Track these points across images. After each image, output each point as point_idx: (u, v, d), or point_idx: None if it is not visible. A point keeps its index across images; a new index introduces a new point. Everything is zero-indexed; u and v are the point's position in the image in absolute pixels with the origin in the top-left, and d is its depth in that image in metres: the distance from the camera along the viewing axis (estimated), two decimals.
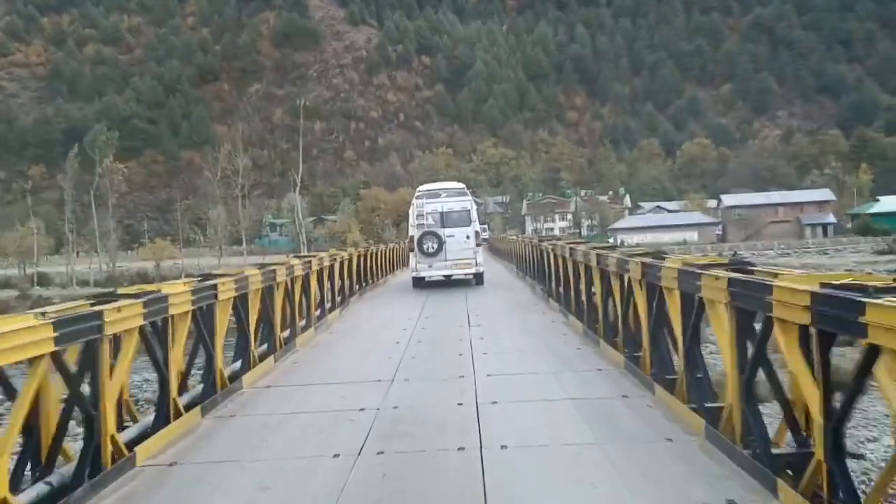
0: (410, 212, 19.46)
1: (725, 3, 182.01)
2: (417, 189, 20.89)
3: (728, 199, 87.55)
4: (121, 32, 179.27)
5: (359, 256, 18.60)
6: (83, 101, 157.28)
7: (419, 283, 18.93)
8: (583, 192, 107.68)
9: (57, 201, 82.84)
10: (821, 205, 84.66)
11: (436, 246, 18.42)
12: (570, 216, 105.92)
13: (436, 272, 18.77)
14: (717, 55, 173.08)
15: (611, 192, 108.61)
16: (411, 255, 18.97)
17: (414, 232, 18.68)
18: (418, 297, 16.75)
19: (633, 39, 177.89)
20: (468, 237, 18.53)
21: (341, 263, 15.22)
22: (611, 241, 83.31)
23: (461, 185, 20.86)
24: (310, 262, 12.00)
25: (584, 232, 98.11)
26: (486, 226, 68.08)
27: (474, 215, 19.11)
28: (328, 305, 13.50)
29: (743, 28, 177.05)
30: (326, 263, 13.51)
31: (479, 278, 18.90)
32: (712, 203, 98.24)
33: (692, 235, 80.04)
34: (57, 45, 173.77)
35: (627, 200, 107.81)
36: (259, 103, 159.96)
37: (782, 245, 66.22)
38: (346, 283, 16.06)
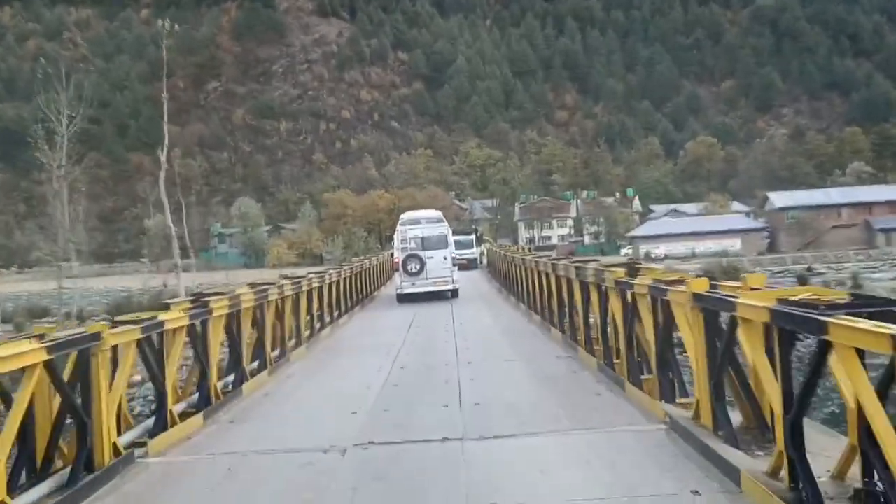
0: (395, 237, 23.13)
1: None
2: (401, 217, 24.00)
3: (778, 199, 71.68)
4: (67, 26, 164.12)
5: None
6: (21, 101, 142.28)
7: (403, 298, 21.93)
8: (584, 195, 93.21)
9: None
10: (893, 205, 70.00)
11: (418, 267, 21.91)
12: (570, 221, 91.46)
13: (419, 289, 21.88)
14: (717, 49, 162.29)
15: (617, 195, 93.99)
16: (396, 274, 22.54)
17: (398, 255, 22.23)
18: None
19: (627, 33, 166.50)
20: (445, 258, 22.14)
21: None
22: (626, 250, 69.30)
23: (438, 213, 24.90)
24: None
25: (588, 240, 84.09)
26: (477, 231, 53.02)
27: (450, 239, 22.68)
28: None
29: (744, 20, 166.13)
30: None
31: (454, 293, 22.27)
32: (738, 206, 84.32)
33: (734, 243, 65.84)
34: None
35: (637, 203, 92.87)
36: (217, 102, 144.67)
37: (860, 256, 51.87)
38: None
